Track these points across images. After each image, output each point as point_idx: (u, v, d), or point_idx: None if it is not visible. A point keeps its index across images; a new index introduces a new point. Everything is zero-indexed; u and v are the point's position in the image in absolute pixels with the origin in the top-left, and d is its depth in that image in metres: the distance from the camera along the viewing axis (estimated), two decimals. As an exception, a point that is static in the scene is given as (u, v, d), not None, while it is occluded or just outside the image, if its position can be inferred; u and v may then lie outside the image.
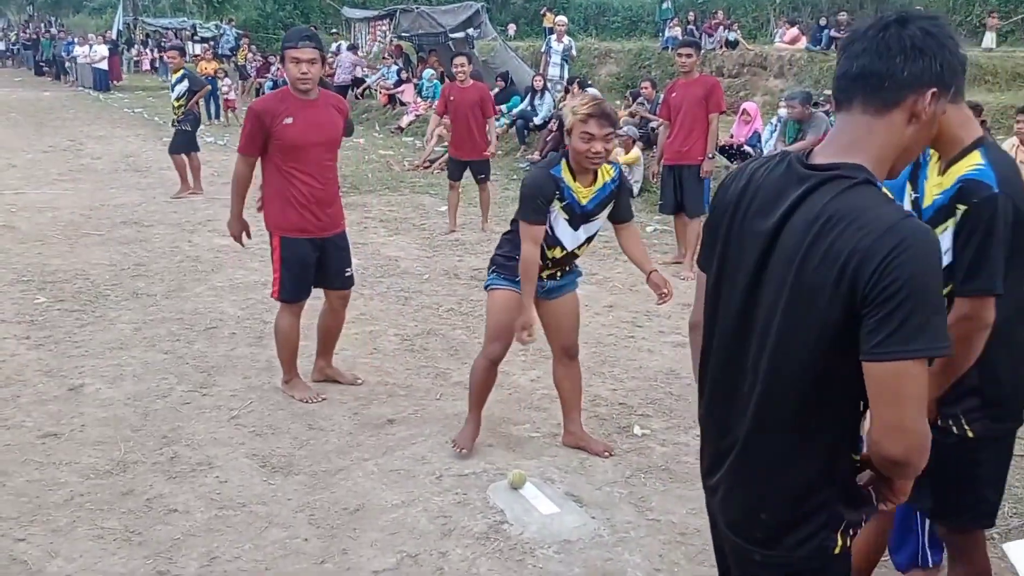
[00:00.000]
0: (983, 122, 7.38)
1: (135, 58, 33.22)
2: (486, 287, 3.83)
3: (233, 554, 3.14)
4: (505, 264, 3.73)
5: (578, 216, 3.60)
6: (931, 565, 2.82)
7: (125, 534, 3.24)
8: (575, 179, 3.55)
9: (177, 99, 10.11)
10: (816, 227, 1.47)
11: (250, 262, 7.22)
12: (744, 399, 1.60)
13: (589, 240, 3.74)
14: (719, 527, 1.76)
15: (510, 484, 3.58)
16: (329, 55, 21.35)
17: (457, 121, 8.30)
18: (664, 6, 22.56)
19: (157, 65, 29.96)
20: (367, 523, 3.36)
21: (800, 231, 1.50)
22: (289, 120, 4.15)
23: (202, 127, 17.28)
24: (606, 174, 3.63)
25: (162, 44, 31.51)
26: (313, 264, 4.38)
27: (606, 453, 3.92)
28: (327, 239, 4.38)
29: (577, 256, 3.77)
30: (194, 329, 5.55)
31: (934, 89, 1.50)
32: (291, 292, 4.38)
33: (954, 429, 2.29)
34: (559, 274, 3.78)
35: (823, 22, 17.13)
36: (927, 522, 2.73)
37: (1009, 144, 6.80)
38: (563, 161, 3.56)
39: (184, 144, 10.12)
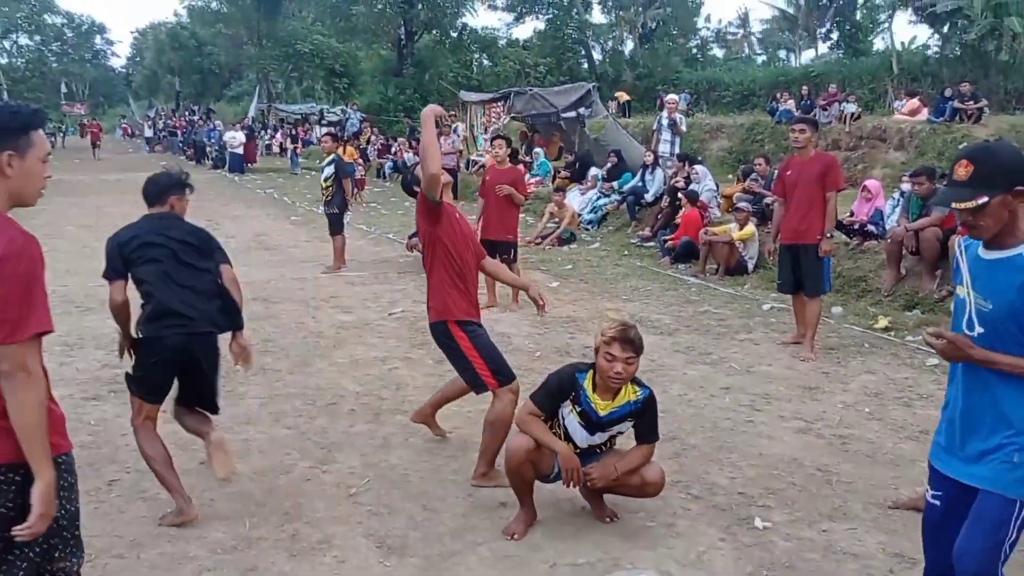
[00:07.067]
0: None
1: (267, 142, 35.30)
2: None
3: (349, 636, 3.18)
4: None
5: (594, 423, 3.82)
6: None
7: (248, 610, 3.33)
8: (595, 391, 3.78)
9: (325, 181, 10.63)
10: None
11: (369, 338, 7.47)
12: None
13: (611, 440, 3.94)
14: None
15: None
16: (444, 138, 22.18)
17: (488, 201, 8.51)
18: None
19: (286, 148, 31.44)
20: (480, 610, 3.34)
21: None
22: (458, 214, 4.52)
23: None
24: (631, 394, 3.82)
25: (292, 132, 33.14)
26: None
27: (608, 519, 4.03)
28: None
29: (598, 452, 3.93)
30: (316, 404, 5.74)
31: None
32: (505, 370, 4.36)
33: None
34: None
35: (947, 92, 16.55)
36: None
37: None
38: (590, 371, 3.80)
39: (336, 225, 10.67)
